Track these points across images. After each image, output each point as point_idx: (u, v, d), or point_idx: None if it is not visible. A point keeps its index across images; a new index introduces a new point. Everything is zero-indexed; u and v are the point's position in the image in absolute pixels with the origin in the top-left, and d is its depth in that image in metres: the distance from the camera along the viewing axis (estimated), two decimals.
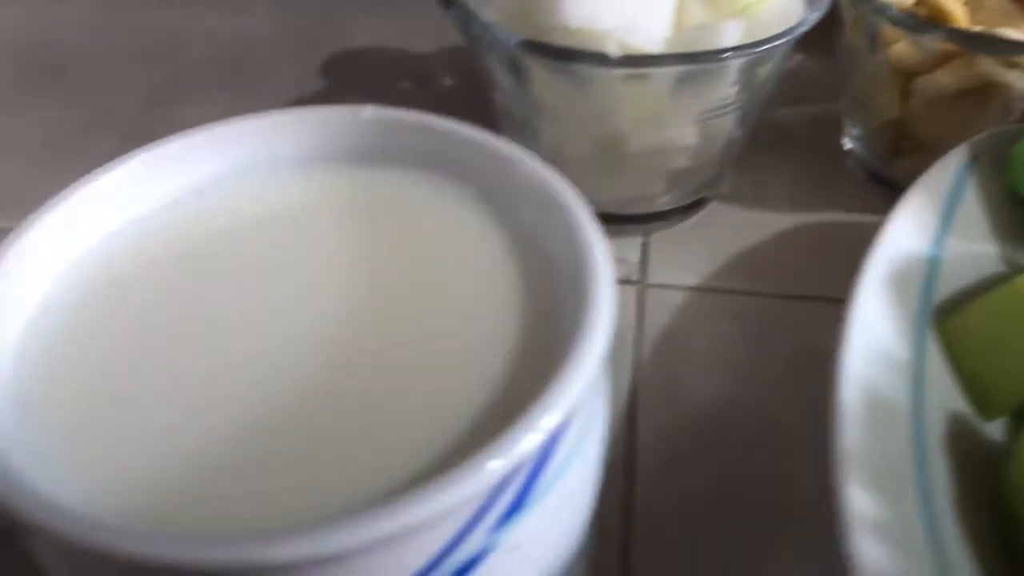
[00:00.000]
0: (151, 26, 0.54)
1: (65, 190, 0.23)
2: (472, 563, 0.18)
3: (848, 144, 0.42)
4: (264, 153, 0.25)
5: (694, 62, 0.31)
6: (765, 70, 0.34)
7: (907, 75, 0.37)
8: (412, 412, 0.20)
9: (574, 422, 0.19)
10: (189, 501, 0.18)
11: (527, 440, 0.17)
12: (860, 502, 0.23)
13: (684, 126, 0.35)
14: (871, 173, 0.41)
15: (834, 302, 0.38)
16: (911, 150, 0.39)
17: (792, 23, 0.33)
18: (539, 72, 0.33)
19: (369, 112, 0.25)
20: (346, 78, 0.50)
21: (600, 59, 0.31)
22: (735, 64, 0.32)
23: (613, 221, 0.37)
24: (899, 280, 0.29)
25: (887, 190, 0.40)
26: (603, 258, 0.21)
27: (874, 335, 0.27)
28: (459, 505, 0.17)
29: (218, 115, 0.24)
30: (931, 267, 0.30)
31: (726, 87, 0.33)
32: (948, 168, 0.32)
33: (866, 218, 0.40)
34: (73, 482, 0.19)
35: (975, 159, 0.32)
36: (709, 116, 0.35)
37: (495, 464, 0.17)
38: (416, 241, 0.24)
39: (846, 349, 0.26)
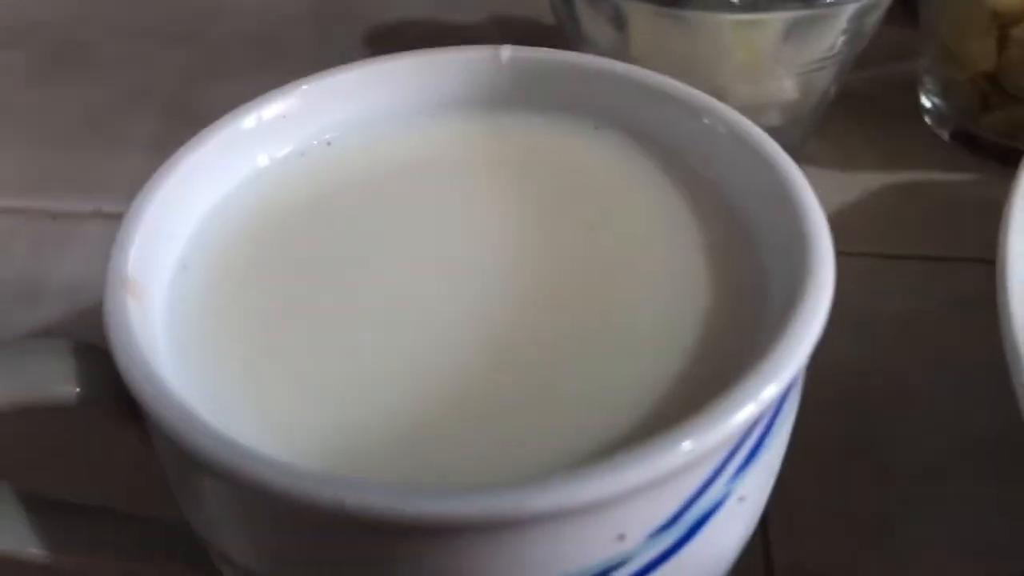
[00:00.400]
0: (180, 3, 0.52)
1: (199, 134, 0.21)
2: (709, 514, 0.17)
3: (928, 103, 0.41)
4: (396, 98, 0.24)
5: (810, 6, 0.30)
6: (872, 19, 0.33)
7: (1005, 24, 0.35)
8: (620, 365, 0.18)
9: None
10: (393, 453, 0.17)
11: (772, 387, 0.16)
12: None
13: (785, 79, 0.33)
14: (957, 131, 0.40)
15: (935, 260, 0.37)
16: (1002, 104, 0.38)
17: None
18: (642, 21, 0.32)
19: (508, 52, 0.24)
20: (392, 51, 0.48)
21: (717, 3, 0.29)
22: (849, 10, 0.31)
23: None
24: None
25: (975, 148, 0.39)
26: (815, 205, 0.19)
27: None
28: (715, 449, 0.16)
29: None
30: None
31: (834, 36, 0.32)
32: None
33: (955, 176, 0.39)
34: (256, 431, 0.17)
35: None
36: (811, 69, 0.33)
37: (750, 407, 0.16)
38: (581, 193, 0.22)
39: (1008, 297, 0.25)
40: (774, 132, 0.35)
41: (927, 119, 0.41)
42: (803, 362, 0.17)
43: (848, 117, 0.42)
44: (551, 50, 0.24)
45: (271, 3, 0.52)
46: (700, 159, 0.22)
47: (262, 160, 0.22)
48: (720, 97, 0.33)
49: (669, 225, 0.21)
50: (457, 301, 0.19)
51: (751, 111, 0.34)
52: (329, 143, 0.23)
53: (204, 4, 0.52)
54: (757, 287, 0.19)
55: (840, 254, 0.36)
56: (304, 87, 0.23)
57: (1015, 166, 0.36)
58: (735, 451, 0.16)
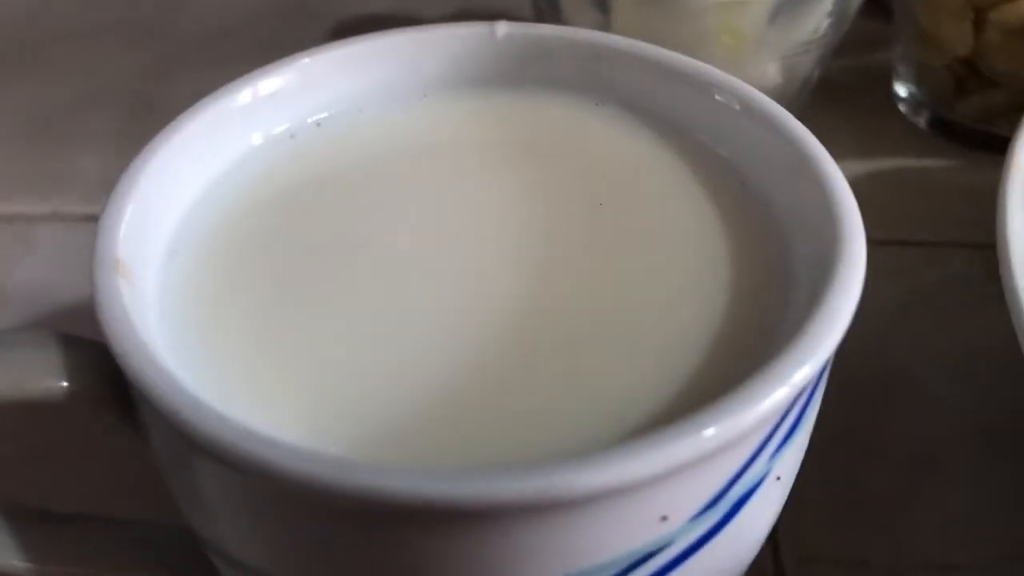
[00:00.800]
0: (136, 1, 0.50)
1: (191, 109, 0.19)
2: (749, 493, 0.16)
3: (903, 91, 0.41)
4: (390, 76, 0.22)
5: None
6: (856, 1, 0.32)
7: (981, 8, 0.35)
8: (646, 344, 0.17)
9: None
10: (408, 438, 0.16)
11: (815, 361, 0.15)
12: None
13: (769, 63, 0.33)
14: (933, 118, 0.40)
15: (919, 245, 0.37)
16: (978, 88, 0.38)
17: None
18: (625, 5, 0.31)
19: (504, 27, 0.23)
20: None
21: None
22: None
23: None
24: None
25: (951, 134, 0.39)
26: (848, 192, 0.18)
27: None
28: (762, 423, 0.15)
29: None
30: None
31: (819, 18, 0.32)
32: None
33: (933, 163, 0.39)
34: (263, 418, 0.16)
35: None
36: (795, 53, 0.33)
37: (797, 379, 0.15)
38: (588, 172, 0.21)
39: (1013, 273, 0.25)
40: None
41: (902, 108, 0.41)
42: (841, 337, 0.16)
43: (825, 106, 0.41)
44: (548, 25, 0.23)
45: (231, 1, 0.50)
46: (712, 136, 0.21)
47: (255, 138, 0.21)
48: None
49: (684, 203, 0.20)
50: (466, 281, 0.18)
51: None
52: (321, 123, 0.22)
53: (163, 1, 0.50)
54: (782, 263, 0.19)
55: None
56: (305, 60, 0.21)
57: (992, 151, 0.36)
58: (777, 427, 0.16)
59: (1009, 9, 0.35)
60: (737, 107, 0.20)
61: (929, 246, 0.36)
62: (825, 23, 0.32)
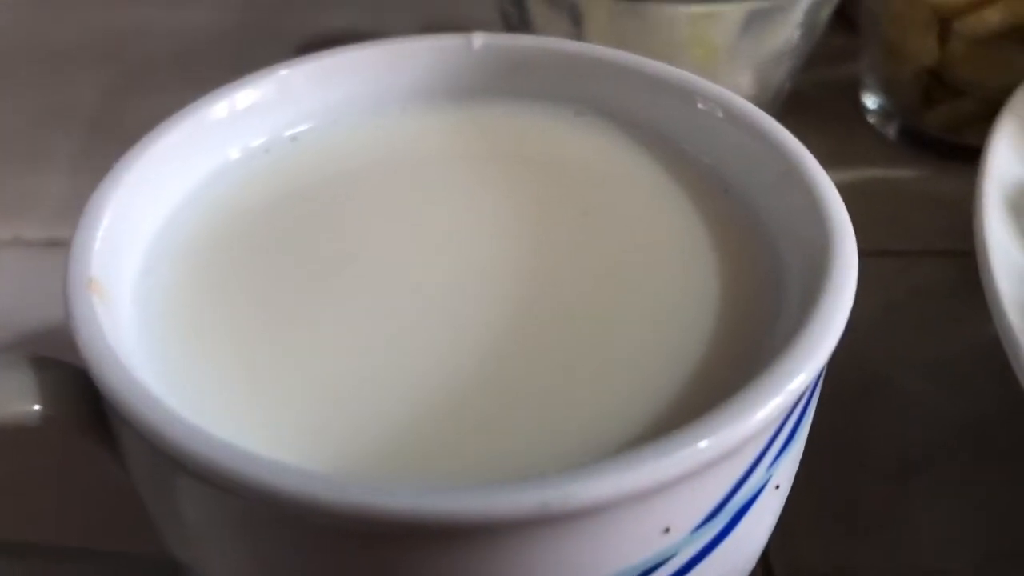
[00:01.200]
0: (95, 23, 0.49)
1: (166, 122, 0.19)
2: (750, 502, 0.16)
3: (871, 103, 0.41)
4: (367, 88, 0.22)
5: None
6: (827, 11, 0.32)
7: (946, 18, 0.36)
8: (638, 355, 0.17)
9: None
10: (394, 455, 0.15)
11: (814, 366, 0.15)
12: None
13: (742, 73, 0.33)
14: (901, 128, 0.40)
15: (893, 255, 0.37)
16: (945, 99, 0.38)
17: None
18: (598, 16, 0.31)
19: (481, 39, 0.22)
20: None
21: None
22: (805, 2, 0.30)
23: None
24: (1014, 208, 0.28)
25: (920, 144, 0.39)
26: (836, 197, 0.18)
27: (1011, 262, 0.26)
28: (764, 430, 0.14)
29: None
30: None
31: (790, 29, 0.32)
32: None
33: (903, 173, 0.39)
34: (245, 437, 0.15)
35: None
36: (766, 63, 0.33)
37: (796, 385, 0.15)
38: (571, 184, 0.21)
39: (994, 278, 0.25)
40: None
41: (871, 119, 0.41)
42: (837, 341, 0.16)
43: (794, 118, 0.41)
44: (525, 35, 0.23)
45: (193, 19, 0.49)
46: (696, 144, 0.21)
47: (232, 152, 0.20)
48: None
49: (669, 212, 0.20)
50: (450, 295, 0.18)
51: None
52: (298, 136, 0.21)
53: (123, 22, 0.49)
54: (771, 270, 0.18)
55: None
56: (282, 72, 0.21)
57: (961, 160, 0.36)
58: (776, 435, 0.15)
59: (973, 19, 0.35)
60: (720, 114, 0.20)
61: (903, 256, 0.36)
62: (796, 34, 0.32)
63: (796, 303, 0.17)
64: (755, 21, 0.31)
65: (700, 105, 0.21)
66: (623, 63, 0.22)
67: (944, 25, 0.36)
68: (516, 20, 0.33)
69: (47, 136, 0.41)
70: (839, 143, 0.41)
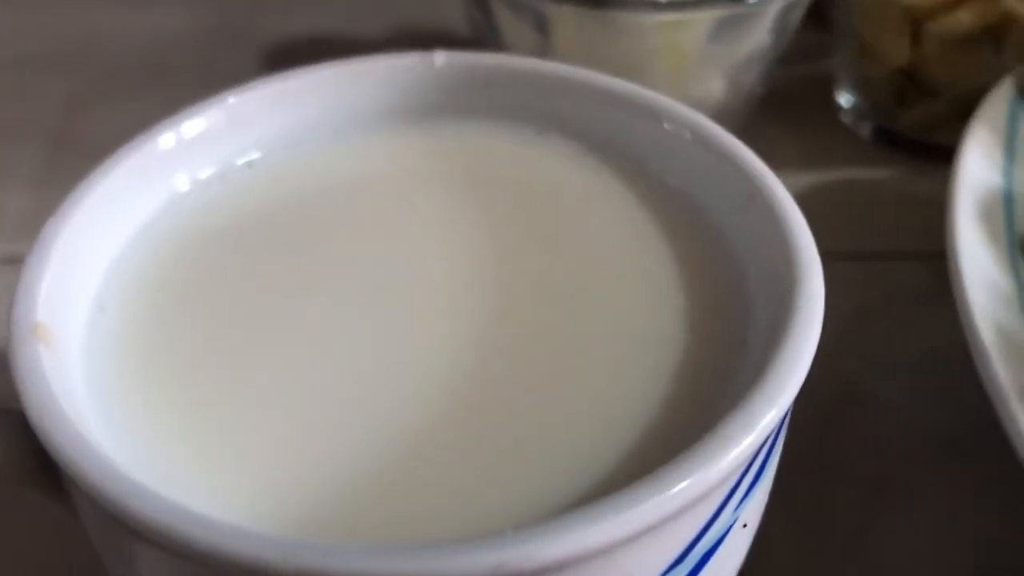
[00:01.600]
0: (58, 29, 0.48)
1: (113, 155, 0.18)
2: (716, 545, 0.15)
3: (845, 102, 0.41)
4: (324, 111, 0.22)
5: (739, 4, 0.29)
6: (796, 15, 0.32)
7: (918, 19, 0.35)
8: (600, 396, 0.17)
9: None
10: (350, 511, 0.15)
11: (781, 404, 0.15)
12: None
13: (713, 79, 0.32)
14: (876, 128, 0.40)
15: (867, 258, 0.37)
16: (919, 99, 0.38)
17: None
18: (565, 25, 0.30)
19: (442, 57, 0.22)
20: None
21: (642, 4, 0.28)
22: (774, 7, 0.30)
23: None
24: (986, 214, 0.28)
25: (894, 144, 0.39)
26: (802, 224, 0.18)
27: (982, 270, 0.26)
28: (728, 476, 0.14)
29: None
30: (1007, 199, 0.29)
31: (760, 34, 0.31)
32: (1000, 102, 0.31)
33: (877, 173, 0.39)
34: (195, 494, 0.15)
35: (1021, 91, 0.31)
36: (737, 69, 0.32)
37: (762, 428, 0.14)
38: (534, 207, 0.20)
39: (964, 287, 0.25)
40: None
41: (845, 118, 0.41)
42: (803, 380, 0.15)
43: (769, 119, 0.41)
44: (486, 54, 0.22)
45: (158, 25, 0.49)
46: (662, 166, 0.20)
47: (182, 184, 0.20)
48: None
49: (636, 240, 0.19)
50: (408, 337, 0.17)
51: None
52: (253, 163, 0.21)
53: (85, 29, 0.48)
54: (738, 300, 0.18)
55: None
56: (231, 100, 0.20)
57: (935, 161, 0.36)
58: (743, 476, 0.15)
59: (945, 20, 0.35)
60: (688, 136, 0.20)
61: (876, 258, 0.36)
62: (766, 39, 0.32)
63: (761, 340, 0.16)
64: (724, 27, 0.30)
65: (667, 126, 0.20)
66: (587, 81, 0.21)
67: (916, 26, 0.36)
68: (484, 28, 0.33)
69: (8, 150, 0.40)
70: (813, 143, 0.40)
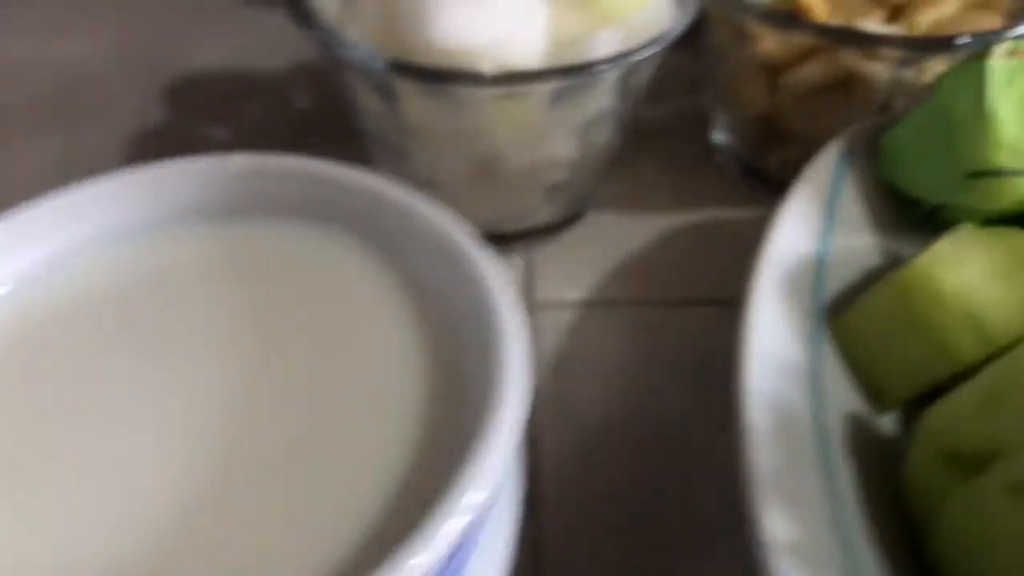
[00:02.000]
0: None
1: None
2: None
3: (718, 139, 0.42)
4: (122, 217, 0.23)
5: (571, 76, 0.30)
6: (640, 76, 0.33)
7: (774, 70, 0.37)
8: (315, 506, 0.18)
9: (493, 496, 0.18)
10: None
11: (443, 535, 0.16)
12: (775, 527, 0.22)
13: (562, 140, 0.34)
14: (745, 167, 0.41)
15: (724, 304, 0.38)
16: (781, 143, 0.39)
17: (664, 27, 0.32)
18: (409, 94, 0.32)
19: (238, 160, 0.23)
20: (191, 105, 0.46)
21: (474, 79, 0.30)
22: (612, 74, 0.31)
23: (491, 240, 0.36)
24: (791, 282, 0.29)
25: (762, 183, 0.40)
26: (513, 324, 0.20)
27: (771, 343, 0.27)
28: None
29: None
30: (820, 265, 0.30)
31: (603, 97, 0.33)
32: (826, 163, 0.32)
33: (746, 213, 0.40)
34: None
35: (850, 151, 0.33)
36: (587, 127, 0.34)
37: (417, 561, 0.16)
38: (304, 302, 0.22)
39: (746, 363, 0.26)
40: (564, 186, 0.36)
41: (717, 157, 0.42)
42: (495, 480, 0.17)
43: (642, 154, 0.42)
44: (281, 156, 0.24)
45: (62, 60, 0.49)
46: (417, 262, 0.22)
47: None
48: (500, 163, 0.34)
49: (388, 331, 0.21)
50: (161, 439, 0.19)
51: (534, 172, 0.35)
52: (51, 270, 0.22)
53: None
54: (464, 394, 0.20)
55: (626, 303, 0.37)
56: (27, 213, 0.22)
57: None
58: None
59: (796, 74, 0.36)
60: (429, 233, 0.22)
61: (732, 304, 0.37)
62: (611, 101, 0.33)
63: (472, 429, 0.18)
64: (563, 95, 0.32)
65: (415, 222, 0.22)
66: (359, 183, 0.23)
67: (771, 78, 0.37)
68: (346, 95, 0.34)
69: None
70: (687, 181, 0.42)
